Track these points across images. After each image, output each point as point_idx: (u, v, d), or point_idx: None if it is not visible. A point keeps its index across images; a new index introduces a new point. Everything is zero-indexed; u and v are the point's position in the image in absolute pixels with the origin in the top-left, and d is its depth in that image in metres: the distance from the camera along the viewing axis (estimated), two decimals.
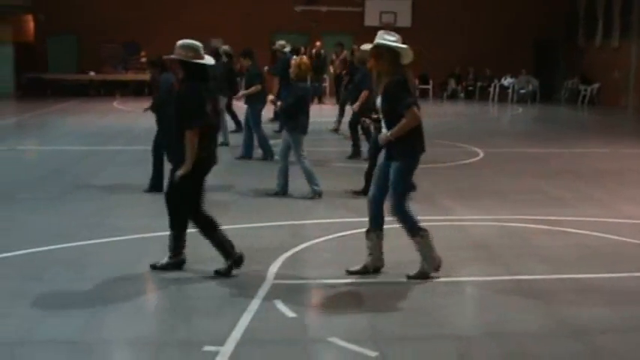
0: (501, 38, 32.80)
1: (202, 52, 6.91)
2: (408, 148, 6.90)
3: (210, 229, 6.97)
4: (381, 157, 7.11)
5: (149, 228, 8.58)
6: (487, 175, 13.18)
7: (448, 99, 33.50)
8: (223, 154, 14.97)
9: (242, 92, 14.53)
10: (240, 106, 15.27)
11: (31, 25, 33.42)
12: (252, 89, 14.03)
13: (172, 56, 6.98)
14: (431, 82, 33.34)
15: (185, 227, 7.13)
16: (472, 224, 9.36)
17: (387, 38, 6.90)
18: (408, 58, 6.95)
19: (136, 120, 19.82)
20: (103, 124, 20.57)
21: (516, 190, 11.72)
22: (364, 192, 10.36)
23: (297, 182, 10.95)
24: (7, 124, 21.90)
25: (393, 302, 6.47)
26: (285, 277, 7.04)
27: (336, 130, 18.48)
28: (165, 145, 9.21)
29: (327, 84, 29.34)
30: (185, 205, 6.95)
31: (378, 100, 7.04)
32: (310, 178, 10.68)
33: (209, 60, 7.00)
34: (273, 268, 7.26)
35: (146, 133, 12.99)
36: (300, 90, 10.59)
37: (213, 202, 10.44)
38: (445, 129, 21.11)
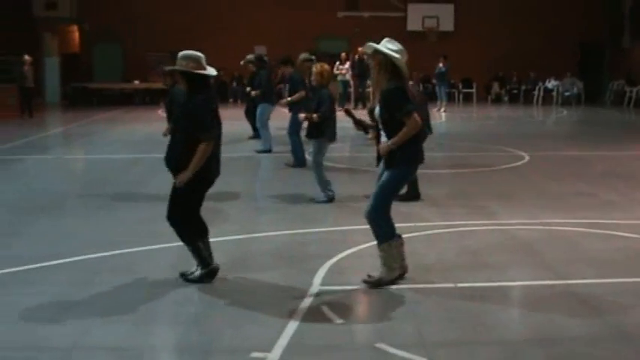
0: (545, 40, 32.55)
1: (204, 62, 6.79)
2: (409, 155, 6.70)
3: (196, 237, 6.94)
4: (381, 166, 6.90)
5: None
6: (533, 179, 13.07)
7: (492, 102, 33.32)
8: (266, 161, 15.12)
9: (285, 99, 14.41)
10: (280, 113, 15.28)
11: (77, 35, 33.92)
12: (296, 96, 13.85)
13: (173, 68, 6.89)
14: (475, 85, 33.21)
15: (200, 236, 7.01)
16: (519, 228, 9.28)
17: (389, 47, 6.65)
18: (404, 71, 6.68)
19: None
20: (148, 132, 20.71)
21: (563, 194, 11.61)
22: (407, 197, 10.32)
23: (340, 188, 10.95)
24: (54, 133, 22.25)
25: (440, 307, 6.43)
26: (331, 283, 7.03)
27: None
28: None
29: (370, 89, 29.32)
30: (179, 213, 6.89)
31: (377, 110, 6.84)
32: (321, 184, 10.59)
33: (211, 71, 6.85)
34: (320, 274, 7.26)
35: None
36: (325, 97, 10.47)
37: (257, 209, 10.57)
38: (490, 133, 21.01)
